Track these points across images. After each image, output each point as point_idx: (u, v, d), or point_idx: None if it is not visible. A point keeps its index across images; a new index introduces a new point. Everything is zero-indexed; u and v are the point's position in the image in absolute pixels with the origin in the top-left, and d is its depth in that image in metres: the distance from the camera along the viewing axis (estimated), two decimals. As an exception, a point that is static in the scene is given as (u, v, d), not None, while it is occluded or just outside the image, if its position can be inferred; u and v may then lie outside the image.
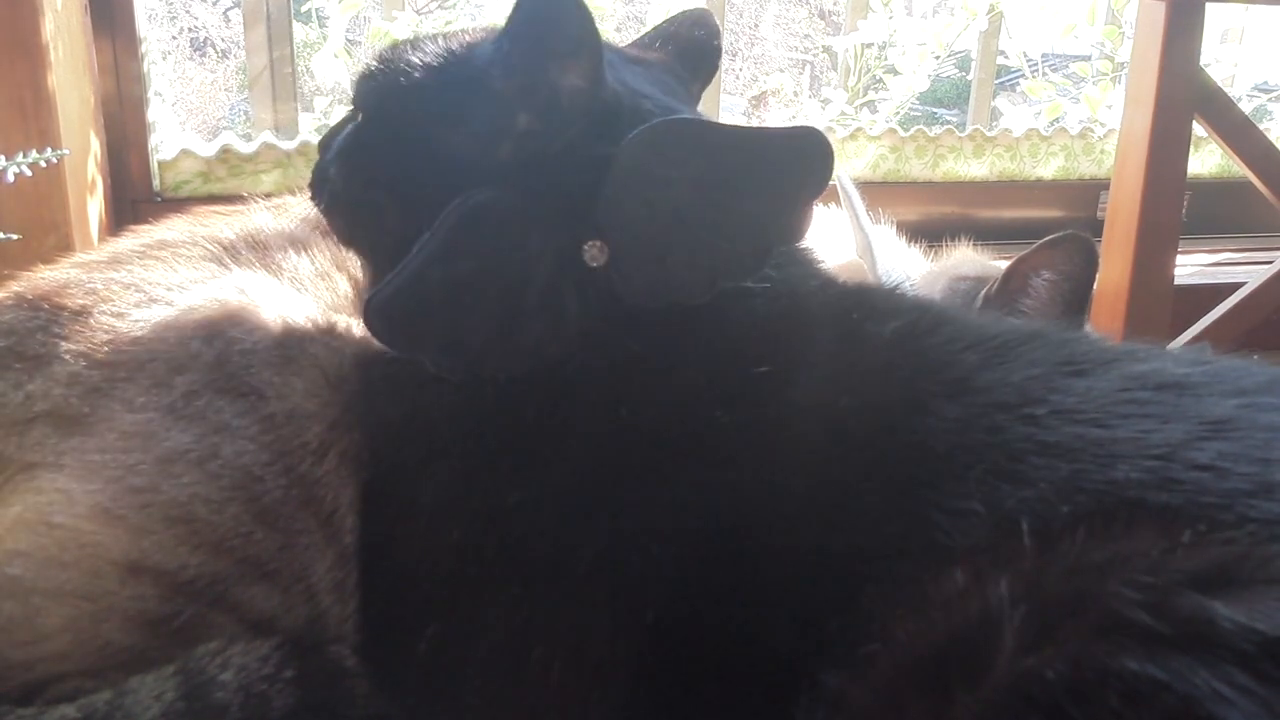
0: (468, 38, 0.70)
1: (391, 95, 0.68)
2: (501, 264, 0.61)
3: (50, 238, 1.27)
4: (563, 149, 0.63)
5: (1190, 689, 0.34)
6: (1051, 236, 0.95)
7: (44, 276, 0.78)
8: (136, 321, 0.72)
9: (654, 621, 0.54)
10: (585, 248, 0.61)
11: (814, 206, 0.64)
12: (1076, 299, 0.94)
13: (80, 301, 0.74)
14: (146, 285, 0.76)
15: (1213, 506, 0.42)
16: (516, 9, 0.62)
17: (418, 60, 0.68)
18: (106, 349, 0.70)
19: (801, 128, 0.63)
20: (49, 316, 0.72)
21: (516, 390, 0.62)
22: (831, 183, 0.67)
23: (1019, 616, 0.40)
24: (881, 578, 0.47)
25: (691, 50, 0.76)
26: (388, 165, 0.68)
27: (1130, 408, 0.49)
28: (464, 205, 0.61)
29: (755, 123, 2.22)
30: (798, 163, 0.62)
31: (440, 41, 0.70)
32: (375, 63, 0.70)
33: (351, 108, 0.74)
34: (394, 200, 0.67)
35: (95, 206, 1.39)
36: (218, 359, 0.70)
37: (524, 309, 0.61)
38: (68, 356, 0.69)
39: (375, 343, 0.69)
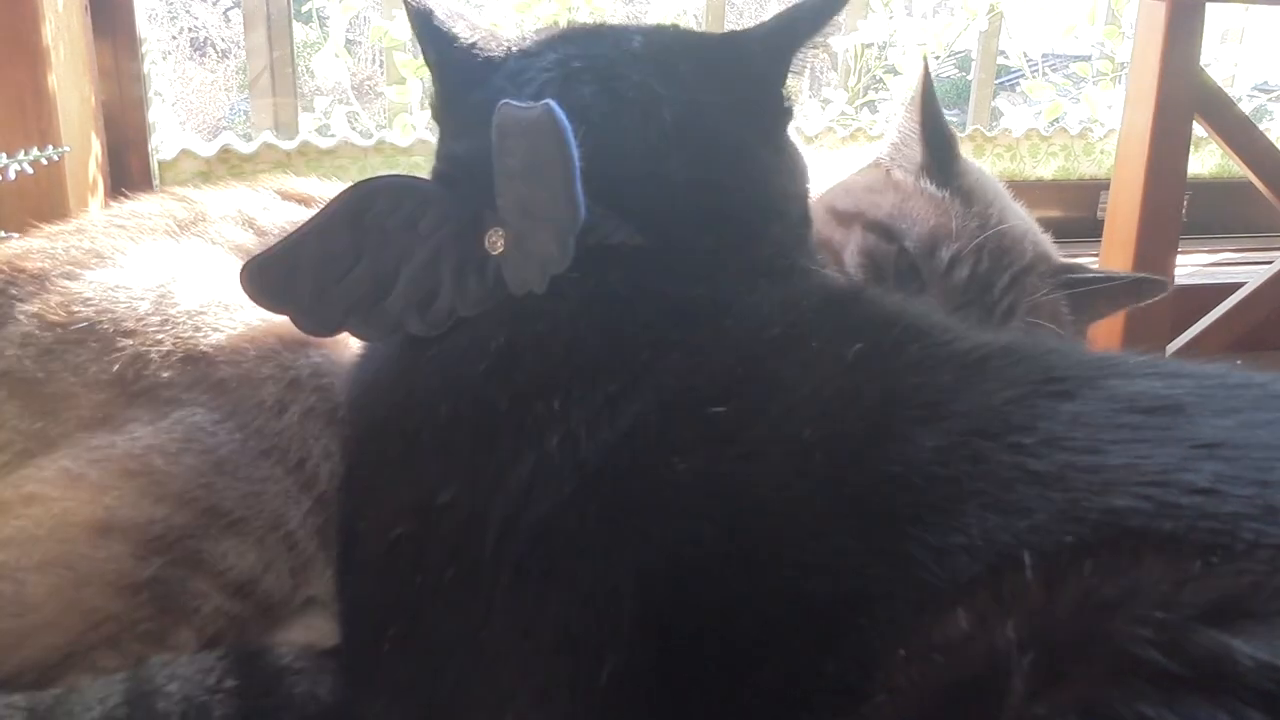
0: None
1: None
2: (379, 244, 0.65)
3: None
4: (452, 125, 0.69)
5: None
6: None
7: (11, 245, 0.81)
8: (90, 283, 0.74)
9: (610, 675, 0.49)
10: (488, 235, 0.63)
11: (573, 194, 0.60)
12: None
13: (39, 265, 0.76)
14: (105, 250, 0.78)
15: (1216, 533, 0.40)
16: None
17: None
18: (59, 311, 0.72)
19: (539, 106, 0.60)
20: (7, 279, 0.75)
21: (434, 365, 0.63)
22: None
23: (1027, 661, 0.38)
24: (873, 623, 0.44)
25: None
26: None
27: (1122, 433, 0.46)
28: (352, 188, 0.65)
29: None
30: (544, 144, 0.60)
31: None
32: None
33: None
34: None
35: (95, 206, 1.39)
36: (165, 322, 0.72)
37: (394, 286, 0.64)
38: (22, 317, 0.72)
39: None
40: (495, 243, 0.63)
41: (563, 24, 1.86)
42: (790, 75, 0.72)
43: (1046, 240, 1.03)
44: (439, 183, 0.69)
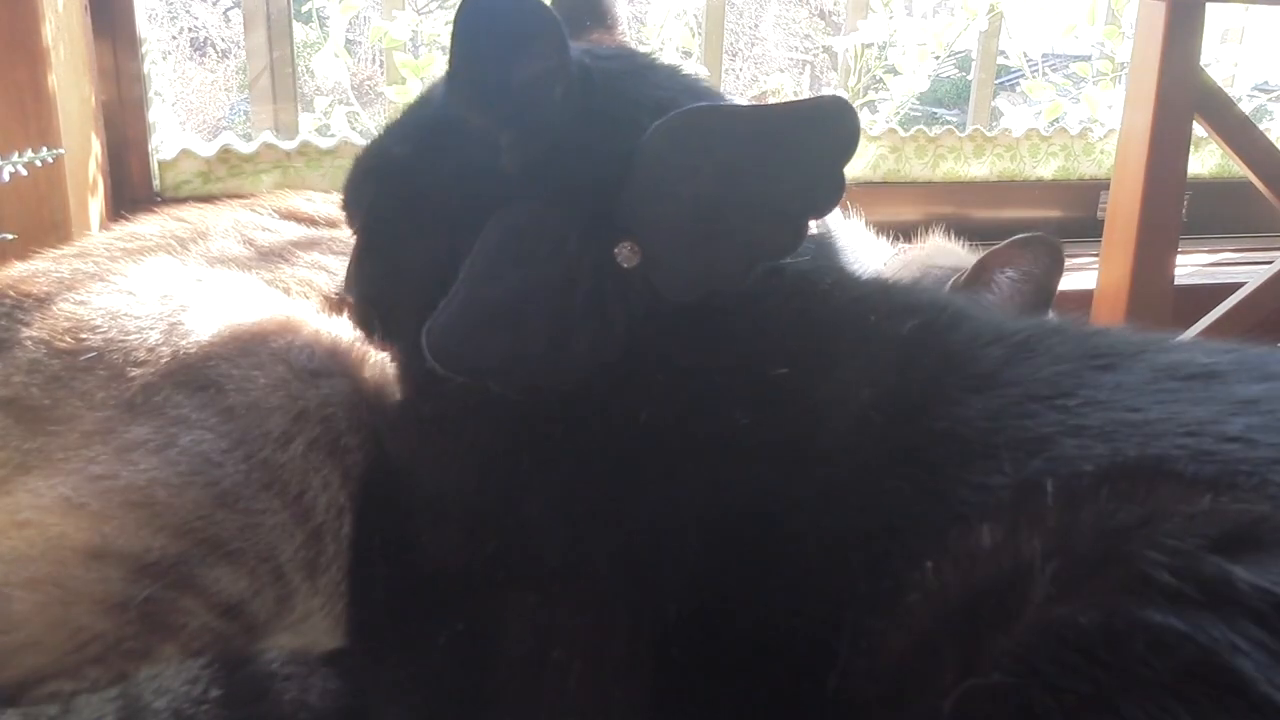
0: (434, 86, 0.71)
1: (384, 195, 0.70)
2: (547, 272, 0.60)
3: (50, 238, 1.27)
4: (571, 148, 0.63)
5: (1210, 641, 0.38)
6: (1022, 236, 0.97)
7: (15, 268, 0.80)
8: (98, 310, 0.73)
9: (677, 616, 0.55)
10: (616, 250, 0.61)
11: (844, 175, 0.63)
12: (1038, 299, 0.96)
13: (45, 289, 0.75)
14: (111, 275, 0.77)
15: (1240, 474, 0.45)
16: (454, 27, 0.61)
17: (396, 150, 0.70)
18: (67, 338, 0.71)
19: (825, 96, 0.63)
20: (13, 303, 0.74)
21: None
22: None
23: (1050, 570, 0.43)
24: (913, 540, 0.50)
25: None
26: (404, 257, 0.70)
27: (1161, 395, 0.52)
28: (499, 221, 0.61)
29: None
30: (824, 132, 0.62)
31: (409, 112, 0.72)
32: (358, 172, 0.73)
33: (348, 219, 0.75)
34: (416, 273, 0.69)
35: (96, 206, 1.39)
36: (175, 352, 0.71)
37: (574, 316, 0.60)
38: (29, 343, 0.71)
39: (357, 342, 0.70)
40: (629, 255, 0.61)
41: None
42: None
43: None
44: (533, 189, 0.63)
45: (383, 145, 0.72)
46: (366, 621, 0.70)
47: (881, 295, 0.67)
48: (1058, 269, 0.97)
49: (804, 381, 0.59)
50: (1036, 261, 0.96)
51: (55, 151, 0.97)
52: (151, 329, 0.72)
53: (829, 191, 0.63)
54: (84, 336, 0.71)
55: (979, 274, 0.97)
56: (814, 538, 0.54)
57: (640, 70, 0.70)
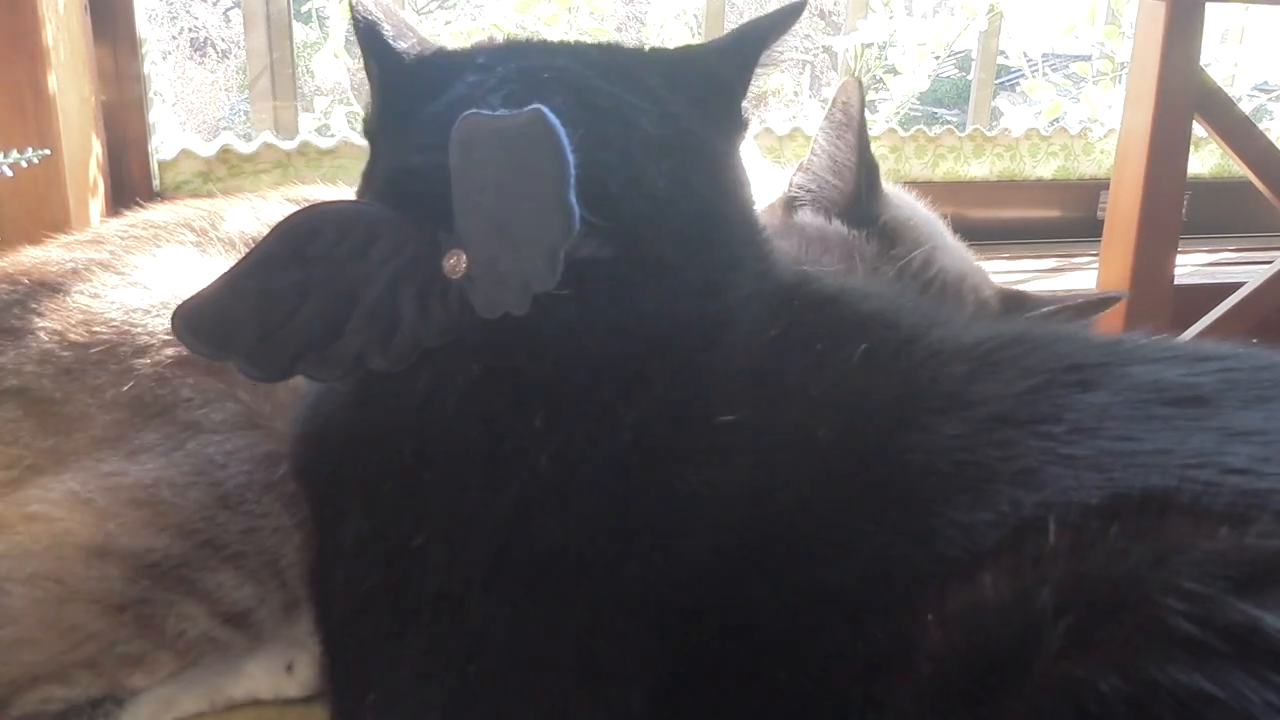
0: None
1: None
2: (328, 277, 0.58)
3: (50, 238, 1.27)
4: (390, 149, 0.64)
5: (1240, 702, 0.35)
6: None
7: (28, 254, 0.80)
8: (111, 303, 0.73)
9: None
10: (447, 258, 0.58)
11: (567, 204, 0.55)
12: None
13: (58, 279, 0.75)
14: (125, 267, 0.77)
15: (1249, 507, 0.42)
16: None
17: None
18: (80, 329, 0.70)
19: (527, 111, 0.56)
20: (27, 291, 0.73)
21: (396, 402, 0.59)
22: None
23: (1064, 625, 0.40)
24: (902, 595, 0.45)
25: None
26: None
27: (1154, 424, 0.48)
28: (288, 219, 0.60)
29: (754, 123, 2.22)
30: (534, 153, 0.56)
31: None
32: None
33: None
34: None
35: (96, 207, 1.39)
36: (183, 349, 0.70)
37: (348, 322, 0.58)
38: (42, 333, 0.70)
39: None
40: (456, 265, 0.58)
41: (563, 24, 1.85)
42: (750, 87, 0.70)
43: (986, 279, 0.96)
44: (383, 205, 0.62)
45: None
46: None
47: (817, 316, 0.60)
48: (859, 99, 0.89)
49: (746, 429, 0.53)
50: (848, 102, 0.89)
51: (40, 153, 0.97)
52: (164, 325, 0.71)
53: (556, 218, 0.56)
54: (97, 330, 0.70)
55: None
56: (783, 599, 0.48)
57: (465, 59, 0.67)
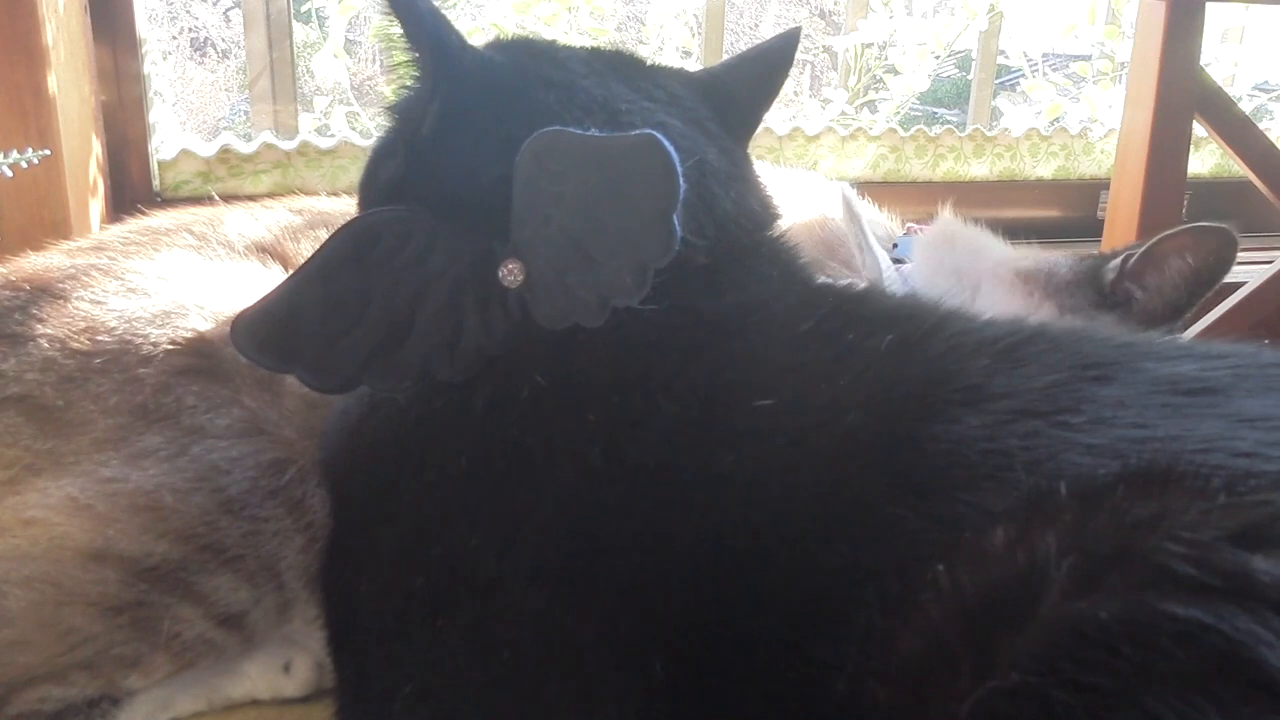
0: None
1: (360, 199, 0.71)
2: (390, 285, 0.59)
3: (50, 239, 1.27)
4: (444, 160, 0.63)
5: (1235, 632, 0.37)
6: (1202, 225, 0.98)
7: (29, 260, 0.79)
8: (113, 311, 0.72)
9: (656, 631, 0.52)
10: (502, 267, 0.59)
11: (670, 225, 0.58)
12: (1199, 291, 0.98)
13: (60, 285, 0.74)
14: (126, 274, 0.77)
15: (1252, 478, 0.44)
16: None
17: (372, 154, 0.70)
18: (83, 337, 0.70)
19: (638, 136, 0.59)
20: (28, 297, 0.73)
21: (446, 421, 0.60)
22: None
23: (1066, 565, 0.42)
24: (922, 544, 0.48)
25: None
26: None
27: (1166, 412, 0.51)
28: (349, 226, 0.60)
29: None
30: (641, 175, 0.58)
31: None
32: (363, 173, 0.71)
33: None
34: None
35: (96, 207, 1.39)
36: (191, 353, 0.71)
37: (410, 331, 0.59)
38: (44, 341, 0.70)
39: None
40: (513, 275, 0.59)
41: (563, 24, 1.84)
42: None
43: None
44: (435, 213, 0.63)
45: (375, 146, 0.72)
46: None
47: (848, 309, 0.63)
48: (1228, 265, 0.97)
49: (779, 412, 0.56)
50: (1215, 253, 0.97)
51: (40, 153, 0.97)
52: (163, 330, 0.71)
53: (660, 239, 0.58)
54: (100, 338, 0.70)
55: (1152, 256, 0.98)
56: (806, 563, 0.51)
57: (530, 70, 0.67)
